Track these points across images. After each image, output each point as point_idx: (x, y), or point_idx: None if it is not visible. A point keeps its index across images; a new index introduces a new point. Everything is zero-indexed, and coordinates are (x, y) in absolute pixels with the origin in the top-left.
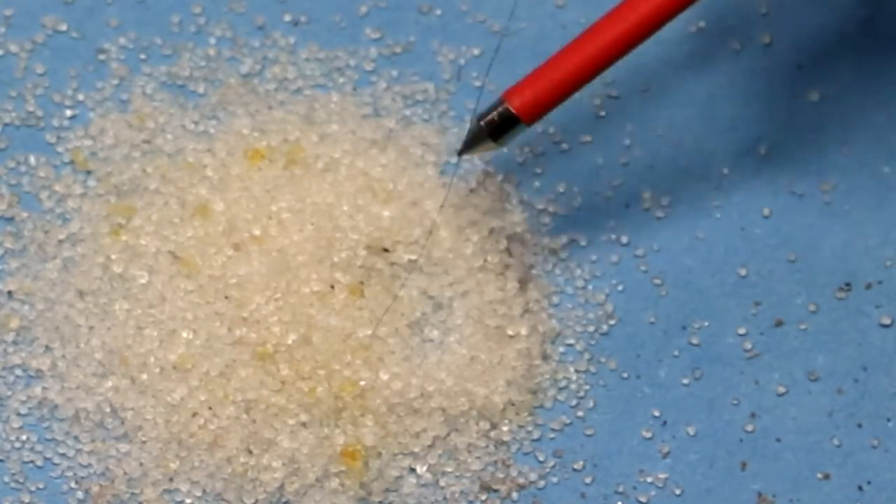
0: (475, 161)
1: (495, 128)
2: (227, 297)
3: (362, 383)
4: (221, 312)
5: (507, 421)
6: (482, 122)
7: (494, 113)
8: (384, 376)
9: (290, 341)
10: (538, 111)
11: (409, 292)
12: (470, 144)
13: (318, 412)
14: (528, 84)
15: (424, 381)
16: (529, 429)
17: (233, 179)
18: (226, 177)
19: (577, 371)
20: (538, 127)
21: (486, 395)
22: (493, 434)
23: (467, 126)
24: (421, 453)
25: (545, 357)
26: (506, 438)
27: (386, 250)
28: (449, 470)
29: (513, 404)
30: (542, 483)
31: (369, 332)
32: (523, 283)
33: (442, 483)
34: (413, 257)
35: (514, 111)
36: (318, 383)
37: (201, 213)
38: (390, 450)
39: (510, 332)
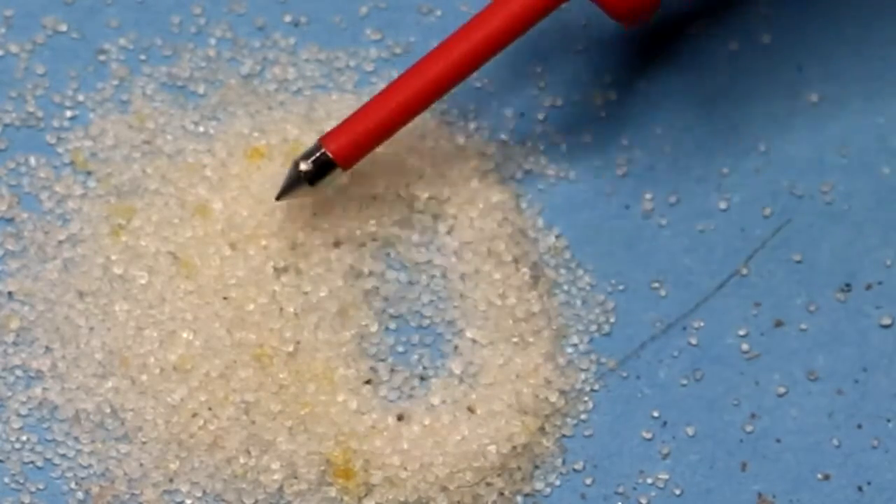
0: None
1: (313, 173)
2: (226, 298)
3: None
4: (221, 313)
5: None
6: (300, 168)
7: (312, 158)
8: (384, 376)
9: (290, 348)
10: (355, 156)
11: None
12: (287, 189)
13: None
14: (344, 130)
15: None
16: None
17: (232, 179)
18: (225, 177)
19: (578, 371)
20: (538, 127)
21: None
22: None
23: (468, 126)
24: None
25: (549, 357)
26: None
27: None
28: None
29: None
30: (541, 484)
31: (373, 329)
32: (535, 280)
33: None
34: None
35: (331, 156)
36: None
37: (201, 213)
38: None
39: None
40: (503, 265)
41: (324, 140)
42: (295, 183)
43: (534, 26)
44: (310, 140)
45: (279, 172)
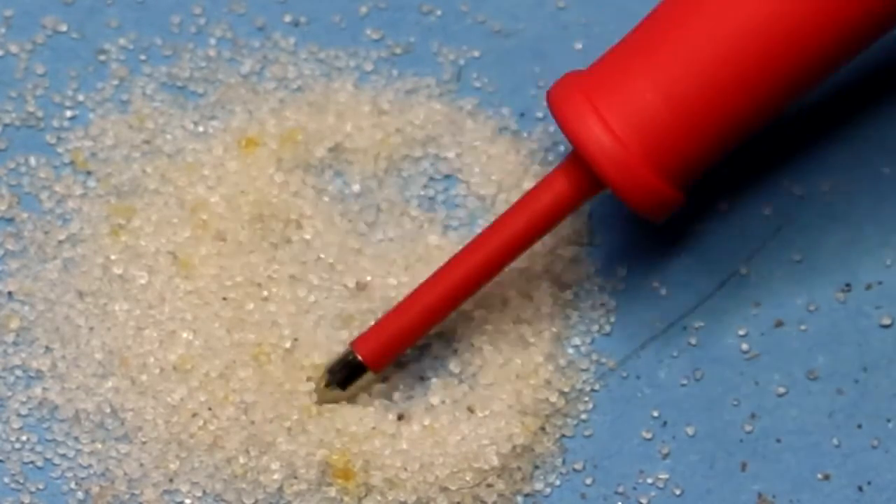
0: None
1: (345, 377)
2: (225, 299)
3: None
4: (221, 314)
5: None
6: (333, 374)
7: (344, 363)
8: (384, 377)
9: (287, 344)
10: (385, 359)
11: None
12: (323, 395)
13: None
14: (375, 334)
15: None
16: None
17: (230, 176)
18: (224, 175)
19: (578, 371)
20: (539, 127)
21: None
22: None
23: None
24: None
25: (549, 357)
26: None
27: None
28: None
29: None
30: (541, 484)
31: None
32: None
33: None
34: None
35: (361, 360)
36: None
37: (200, 213)
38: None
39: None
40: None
41: (355, 344)
42: (328, 388)
43: (562, 221)
44: (307, 127)
45: (274, 160)
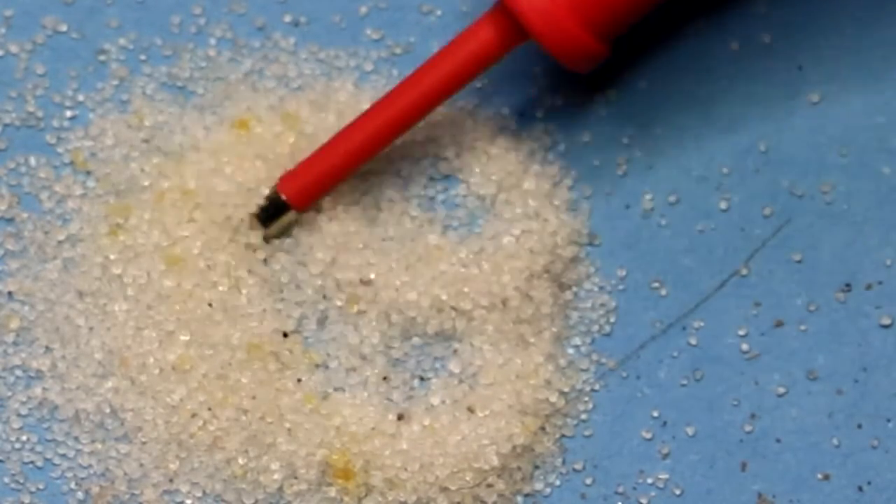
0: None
1: (268, 215)
2: (225, 299)
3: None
4: (220, 314)
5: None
6: (257, 215)
7: (268, 203)
8: (384, 376)
9: (289, 348)
10: (308, 199)
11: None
12: (266, 226)
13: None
14: (299, 173)
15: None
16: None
17: (230, 175)
18: (224, 174)
19: (578, 371)
20: (539, 127)
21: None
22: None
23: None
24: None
25: (549, 357)
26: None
27: None
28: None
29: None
30: (541, 485)
31: (373, 329)
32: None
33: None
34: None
35: (284, 199)
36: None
37: (199, 212)
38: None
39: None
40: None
41: (280, 184)
42: (259, 223)
43: (487, 69)
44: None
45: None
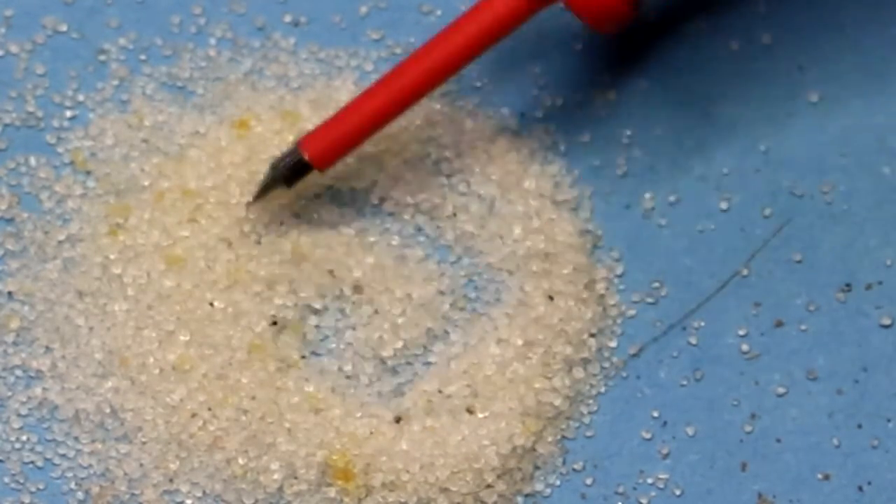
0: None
1: (289, 174)
2: (224, 298)
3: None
4: (220, 313)
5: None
6: (276, 169)
7: (288, 160)
8: (385, 377)
9: (289, 349)
10: (330, 159)
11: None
12: (265, 190)
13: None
14: (321, 133)
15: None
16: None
17: (229, 174)
18: (223, 174)
19: (579, 372)
20: (539, 127)
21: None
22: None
23: (467, 125)
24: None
25: (550, 358)
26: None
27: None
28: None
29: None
30: (541, 485)
31: (374, 329)
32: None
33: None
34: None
35: (307, 159)
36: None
37: (199, 212)
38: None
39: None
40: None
41: (301, 143)
42: (271, 184)
43: (512, 32)
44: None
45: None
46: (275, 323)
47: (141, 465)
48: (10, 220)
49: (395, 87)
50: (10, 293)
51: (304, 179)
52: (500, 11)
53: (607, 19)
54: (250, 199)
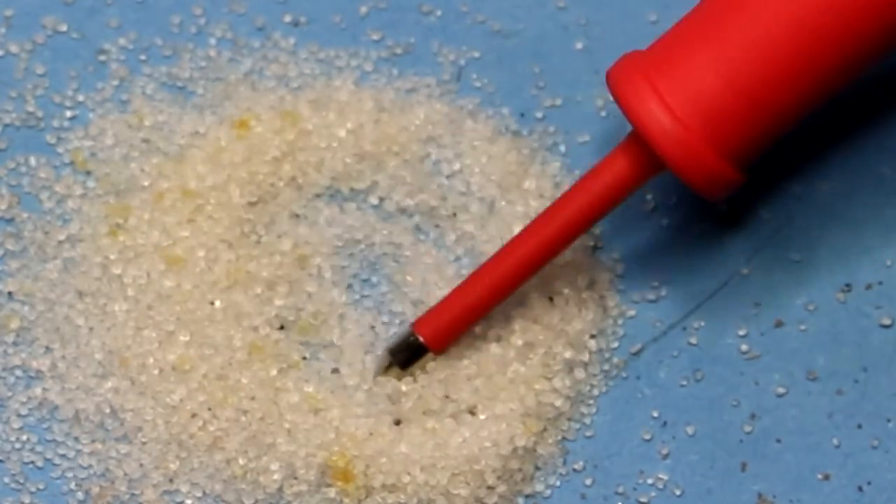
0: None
1: (406, 359)
2: (224, 299)
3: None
4: (220, 314)
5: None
6: (394, 355)
7: (405, 344)
8: (386, 378)
9: (289, 349)
10: (446, 341)
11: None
12: (381, 372)
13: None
14: (435, 315)
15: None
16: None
17: (229, 174)
18: (223, 174)
19: (579, 372)
20: (539, 127)
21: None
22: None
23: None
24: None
25: (550, 358)
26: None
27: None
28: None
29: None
30: (541, 486)
31: (375, 329)
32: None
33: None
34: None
35: (423, 342)
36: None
37: (199, 212)
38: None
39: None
40: None
41: (416, 325)
42: (388, 368)
43: (623, 201)
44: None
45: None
46: (282, 327)
47: (141, 465)
48: (10, 220)
49: (506, 265)
50: (10, 293)
51: (302, 185)
52: (610, 182)
53: (721, 189)
54: (373, 377)
